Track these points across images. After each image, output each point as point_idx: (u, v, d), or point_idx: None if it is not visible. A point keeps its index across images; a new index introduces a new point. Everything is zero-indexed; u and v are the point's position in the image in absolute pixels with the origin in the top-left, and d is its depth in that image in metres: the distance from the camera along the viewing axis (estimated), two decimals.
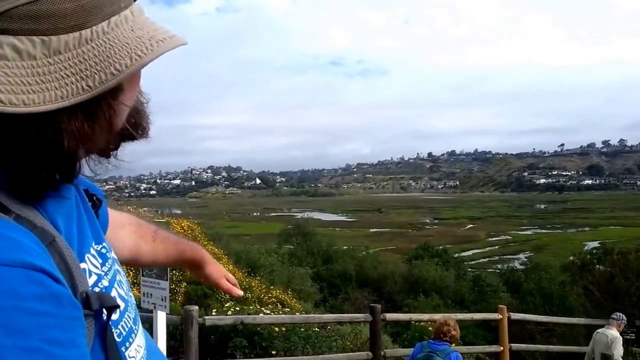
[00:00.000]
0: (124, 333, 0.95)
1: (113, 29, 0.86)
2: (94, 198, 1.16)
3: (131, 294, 1.07)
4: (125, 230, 1.54)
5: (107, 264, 1.00)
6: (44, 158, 0.83)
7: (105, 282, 0.95)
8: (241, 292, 1.81)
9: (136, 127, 0.99)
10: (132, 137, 1.00)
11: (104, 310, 0.87)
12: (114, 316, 0.92)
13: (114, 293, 0.96)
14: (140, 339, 1.01)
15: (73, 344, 0.75)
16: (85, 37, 0.83)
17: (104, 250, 1.02)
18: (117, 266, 1.05)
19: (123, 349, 0.94)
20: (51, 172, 0.85)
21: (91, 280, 0.91)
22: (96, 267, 0.95)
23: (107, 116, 0.88)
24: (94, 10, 0.84)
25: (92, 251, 0.97)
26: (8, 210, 0.82)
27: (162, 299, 6.01)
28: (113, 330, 0.91)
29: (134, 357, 0.96)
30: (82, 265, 0.89)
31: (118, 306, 0.90)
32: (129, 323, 0.98)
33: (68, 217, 0.95)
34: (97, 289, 0.90)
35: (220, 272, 1.77)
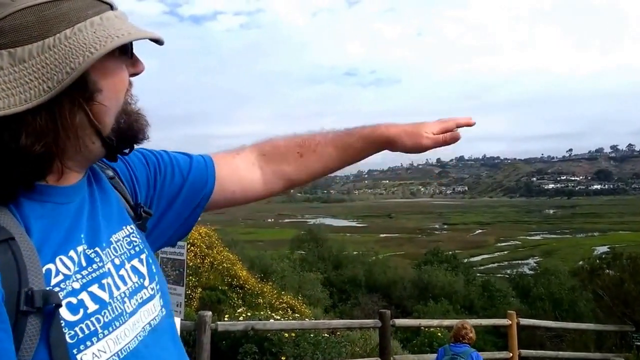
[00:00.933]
0: (81, 335, 0.95)
1: (76, 34, 0.95)
2: (141, 211, 1.26)
3: (129, 300, 1.08)
4: (256, 169, 1.53)
5: (90, 267, 1.03)
6: (7, 159, 0.92)
7: (75, 284, 0.98)
8: (471, 122, 1.59)
9: (129, 130, 1.08)
10: (127, 139, 1.10)
11: (59, 309, 0.91)
12: (71, 317, 0.95)
13: (82, 295, 0.98)
14: (107, 344, 0.98)
15: None
16: (48, 44, 0.93)
17: (93, 255, 1.05)
18: (124, 272, 1.10)
19: (75, 350, 0.93)
20: (17, 172, 0.94)
21: (55, 280, 0.95)
22: (67, 269, 0.98)
23: (72, 114, 0.98)
24: (57, 20, 0.95)
25: (72, 253, 1.00)
26: None
27: (177, 305, 6.09)
28: (67, 330, 0.93)
29: None
30: (49, 265, 0.95)
31: (60, 305, 0.91)
32: (94, 326, 0.98)
33: (52, 220, 1.01)
34: (57, 289, 0.94)
35: (417, 136, 1.54)
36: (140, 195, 1.31)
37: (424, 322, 12.37)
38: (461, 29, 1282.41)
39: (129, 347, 1.03)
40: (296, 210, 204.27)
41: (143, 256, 1.18)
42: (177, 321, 6.16)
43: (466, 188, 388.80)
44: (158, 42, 1.09)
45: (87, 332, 0.96)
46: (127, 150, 1.15)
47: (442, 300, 27.39)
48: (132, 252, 1.16)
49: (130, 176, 1.31)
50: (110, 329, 1.00)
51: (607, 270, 16.75)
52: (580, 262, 24.65)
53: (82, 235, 1.05)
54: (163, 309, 1.17)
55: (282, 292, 15.62)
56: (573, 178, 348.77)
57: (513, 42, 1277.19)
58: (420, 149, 1.55)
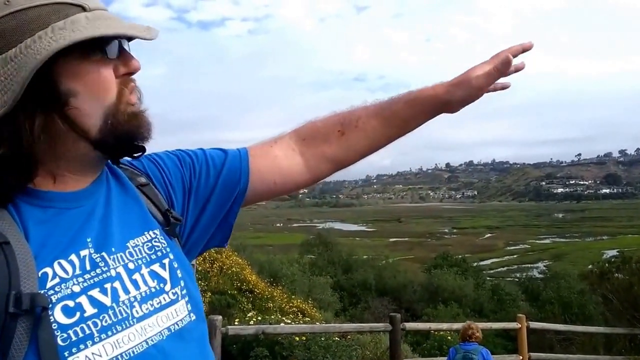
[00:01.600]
0: (74, 338, 0.95)
1: (35, 42, 0.96)
2: (171, 216, 1.23)
3: (139, 305, 1.06)
4: (296, 155, 1.46)
5: (94, 271, 1.03)
6: None
7: (75, 288, 0.99)
8: (527, 45, 1.42)
9: (116, 130, 1.06)
10: (121, 140, 1.08)
11: (47, 312, 0.92)
12: (65, 320, 0.95)
13: (81, 299, 0.98)
14: (103, 347, 0.97)
15: None
16: (10, 55, 0.96)
17: (98, 259, 1.04)
18: (137, 277, 1.09)
19: (66, 353, 0.93)
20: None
21: (50, 283, 0.96)
22: (65, 272, 0.99)
23: (40, 120, 0.99)
24: (18, 31, 0.97)
25: (73, 257, 1.01)
26: None
27: None
28: (59, 333, 0.93)
29: None
30: (46, 269, 0.97)
31: (46, 307, 0.92)
32: (90, 329, 0.97)
33: (54, 225, 1.03)
34: (51, 292, 0.95)
35: (467, 81, 1.39)
36: (177, 199, 1.30)
37: (434, 325, 12.35)
38: (470, 34, 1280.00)
39: (133, 352, 1.01)
40: (305, 215, 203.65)
41: (166, 261, 1.15)
42: None
43: (475, 192, 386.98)
44: (140, 38, 1.07)
45: (81, 335, 0.96)
46: (136, 154, 1.17)
47: (452, 304, 27.31)
48: (154, 256, 1.14)
49: (164, 181, 1.30)
50: (109, 332, 0.99)
51: (616, 274, 16.70)
52: (590, 266, 24.57)
53: (89, 240, 1.05)
54: (192, 314, 1.15)
55: (292, 297, 15.58)
56: (582, 182, 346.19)
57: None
58: (475, 92, 1.40)
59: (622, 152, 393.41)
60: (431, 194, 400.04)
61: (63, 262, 1.00)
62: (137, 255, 1.11)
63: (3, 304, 0.88)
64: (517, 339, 10.14)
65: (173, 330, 1.09)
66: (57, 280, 0.97)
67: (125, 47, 1.09)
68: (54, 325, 0.93)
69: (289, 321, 10.36)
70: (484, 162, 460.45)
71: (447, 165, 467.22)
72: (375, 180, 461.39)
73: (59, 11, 0.99)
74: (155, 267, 1.13)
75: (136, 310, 1.04)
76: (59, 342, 0.93)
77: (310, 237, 47.77)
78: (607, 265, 19.25)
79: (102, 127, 1.04)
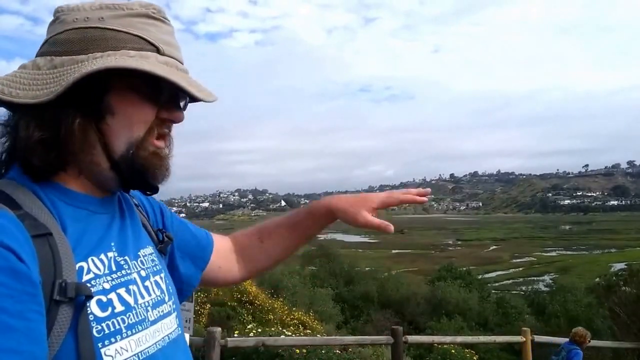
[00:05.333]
0: (107, 331, 1.02)
1: (102, 57, 1.06)
2: (164, 235, 1.38)
3: (152, 310, 1.15)
4: (233, 252, 1.68)
5: (119, 272, 1.11)
6: (19, 143, 1.08)
7: (106, 285, 1.06)
8: (418, 199, 1.70)
9: (135, 163, 1.14)
10: (136, 173, 1.16)
11: (87, 302, 0.98)
12: (100, 313, 1.02)
13: (111, 295, 1.06)
14: (129, 343, 1.05)
15: (21, 315, 0.85)
16: (79, 59, 1.07)
17: (122, 262, 1.13)
18: (148, 284, 1.18)
19: (100, 344, 0.99)
20: (25, 155, 1.07)
21: (86, 277, 1.03)
22: (98, 269, 1.06)
23: (73, 120, 1.07)
24: (95, 43, 1.09)
25: (102, 257, 1.09)
26: (19, 207, 0.99)
27: (186, 321, 6.03)
28: (94, 325, 1.00)
29: (111, 356, 1.01)
30: (82, 263, 1.03)
31: (91, 296, 0.99)
32: (119, 325, 1.04)
33: (86, 225, 1.10)
34: (87, 284, 1.00)
35: (358, 209, 1.61)
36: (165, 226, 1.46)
37: (437, 338, 12.26)
38: (477, 46, 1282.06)
39: (148, 352, 1.09)
40: None
41: (162, 275, 1.26)
42: (187, 337, 6.09)
43: (480, 204, 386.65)
44: (195, 97, 1.17)
45: (112, 329, 1.03)
46: (149, 192, 1.25)
47: (456, 317, 27.15)
48: (155, 268, 1.24)
49: (153, 209, 1.46)
50: (134, 330, 1.07)
51: (624, 287, 16.63)
52: (597, 279, 24.47)
53: (113, 244, 1.14)
54: (178, 329, 1.25)
55: (294, 308, 15.53)
56: (589, 194, 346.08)
57: (529, 59, 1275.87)
58: (354, 224, 1.60)
59: (631, 164, 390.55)
60: (435, 205, 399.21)
61: (95, 259, 1.07)
62: (147, 265, 1.22)
63: (49, 291, 0.93)
64: (521, 352, 10.01)
65: (170, 339, 1.19)
66: (91, 275, 1.04)
67: (182, 100, 1.21)
68: (90, 317, 0.99)
69: (290, 333, 10.28)
70: (489, 173, 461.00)
71: (452, 175, 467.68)
72: (378, 191, 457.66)
73: (136, 43, 1.11)
74: (157, 278, 1.23)
75: (150, 314, 1.14)
76: (94, 333, 0.99)
77: (312, 248, 47.56)
78: (614, 278, 19.19)
79: (123, 154, 1.12)
